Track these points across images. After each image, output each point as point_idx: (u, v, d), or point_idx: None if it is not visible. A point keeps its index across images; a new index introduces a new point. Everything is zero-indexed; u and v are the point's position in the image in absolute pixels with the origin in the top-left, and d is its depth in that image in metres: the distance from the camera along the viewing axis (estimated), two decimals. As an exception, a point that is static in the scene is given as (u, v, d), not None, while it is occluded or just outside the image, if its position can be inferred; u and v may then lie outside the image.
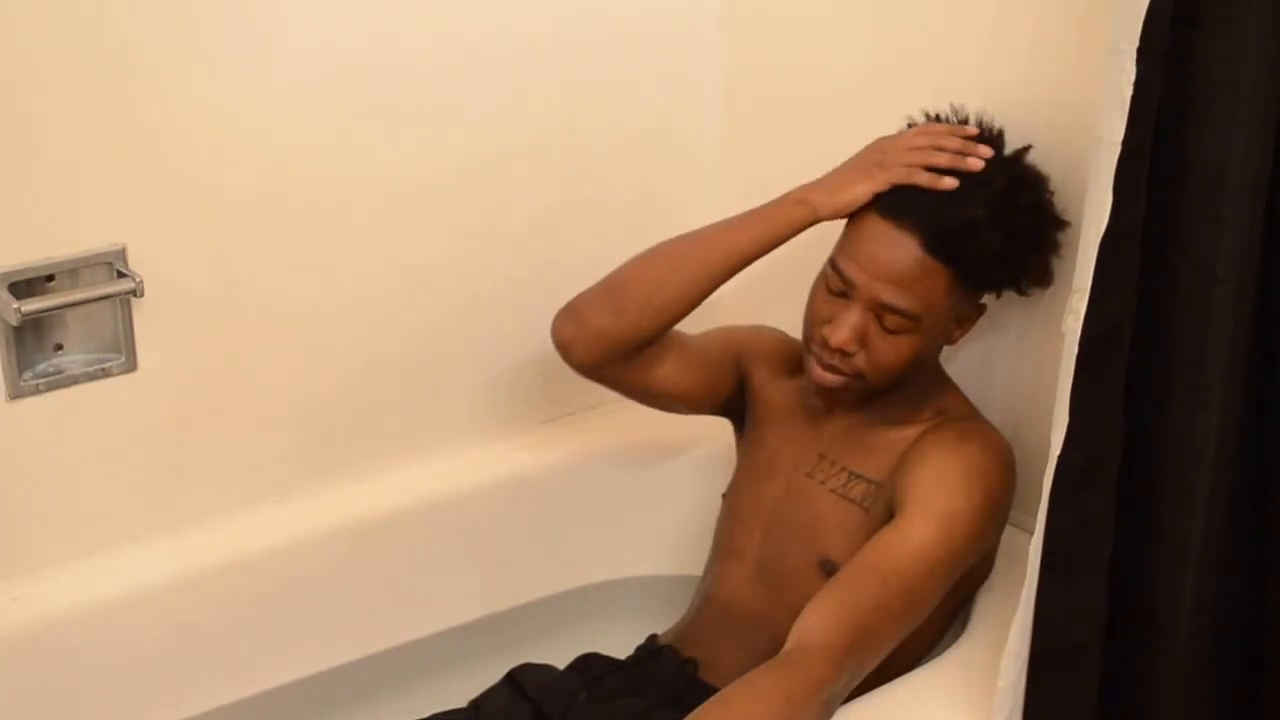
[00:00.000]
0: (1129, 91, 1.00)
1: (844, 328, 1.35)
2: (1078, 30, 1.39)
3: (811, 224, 1.40)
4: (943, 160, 1.33)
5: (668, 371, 1.51)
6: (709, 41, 1.78)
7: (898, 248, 1.33)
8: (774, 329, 1.64)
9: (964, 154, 1.34)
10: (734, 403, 1.59)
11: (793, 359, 1.57)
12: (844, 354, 1.36)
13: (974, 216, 1.31)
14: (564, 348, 1.47)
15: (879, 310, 1.35)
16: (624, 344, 1.45)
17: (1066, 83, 1.41)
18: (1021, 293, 1.40)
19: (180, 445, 1.57)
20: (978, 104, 1.41)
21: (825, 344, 1.37)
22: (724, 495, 1.60)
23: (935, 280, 1.33)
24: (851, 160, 1.40)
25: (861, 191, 1.36)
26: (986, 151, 1.34)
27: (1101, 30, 1.05)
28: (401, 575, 1.72)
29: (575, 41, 1.68)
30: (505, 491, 1.78)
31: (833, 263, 1.38)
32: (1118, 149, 1.02)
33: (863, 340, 1.36)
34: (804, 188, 1.40)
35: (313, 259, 1.59)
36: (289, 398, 1.64)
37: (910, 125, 1.41)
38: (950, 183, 1.32)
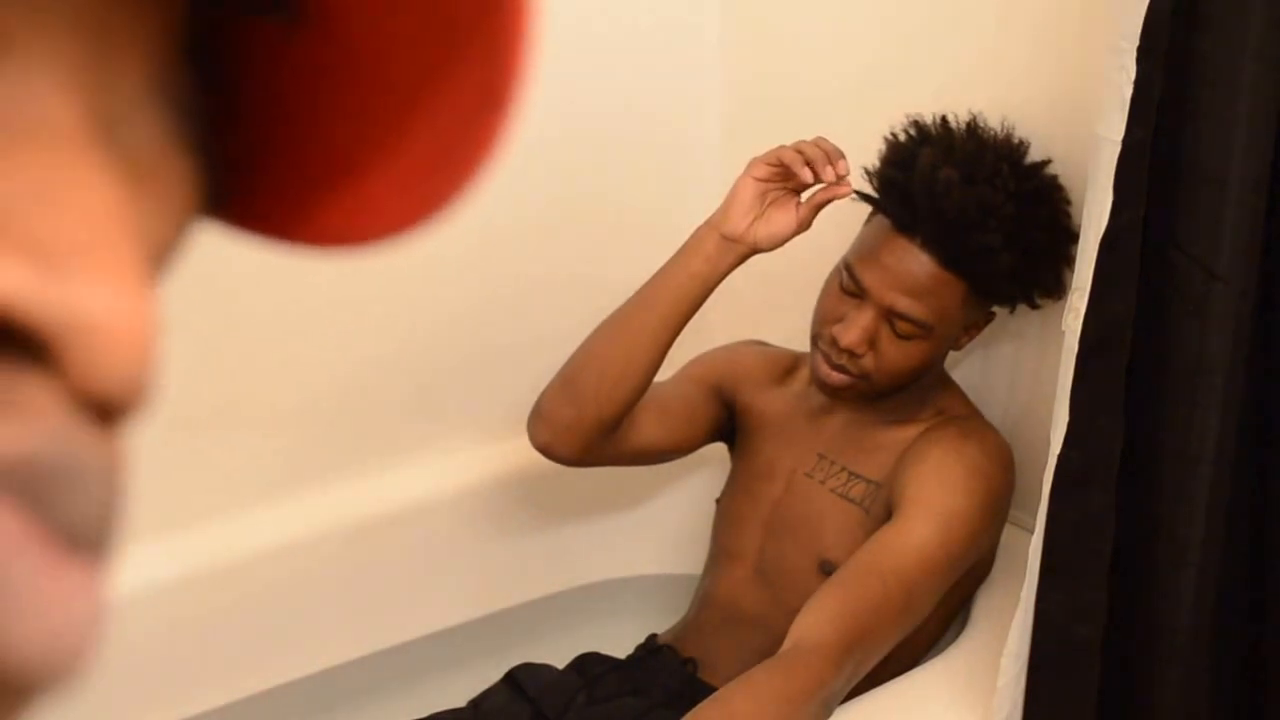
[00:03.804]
0: (1129, 90, 1.00)
1: (855, 329, 1.35)
2: (1077, 29, 1.39)
3: (723, 240, 1.34)
4: (795, 161, 1.30)
5: (650, 432, 1.49)
6: (710, 47, 1.78)
7: (912, 261, 1.32)
8: (748, 343, 1.63)
9: (828, 162, 1.30)
10: (725, 430, 1.58)
11: (776, 368, 1.57)
12: (852, 355, 1.36)
13: (990, 241, 1.30)
14: (544, 451, 1.45)
15: (891, 316, 1.34)
16: (596, 429, 1.42)
17: (1066, 82, 1.40)
18: (1033, 305, 1.40)
19: (180, 445, 1.57)
20: (978, 105, 1.40)
21: (834, 343, 1.37)
22: (717, 500, 1.60)
23: (950, 292, 1.33)
24: None
25: (742, 185, 1.34)
26: (843, 169, 1.30)
27: (1101, 29, 1.05)
28: (401, 574, 1.73)
29: (575, 46, 1.68)
30: (505, 490, 1.78)
31: (847, 265, 1.37)
32: (1117, 147, 1.02)
33: (872, 342, 1.36)
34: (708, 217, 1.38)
35: (311, 259, 1.59)
36: (289, 398, 1.64)
37: (916, 124, 1.41)
38: (808, 175, 1.30)
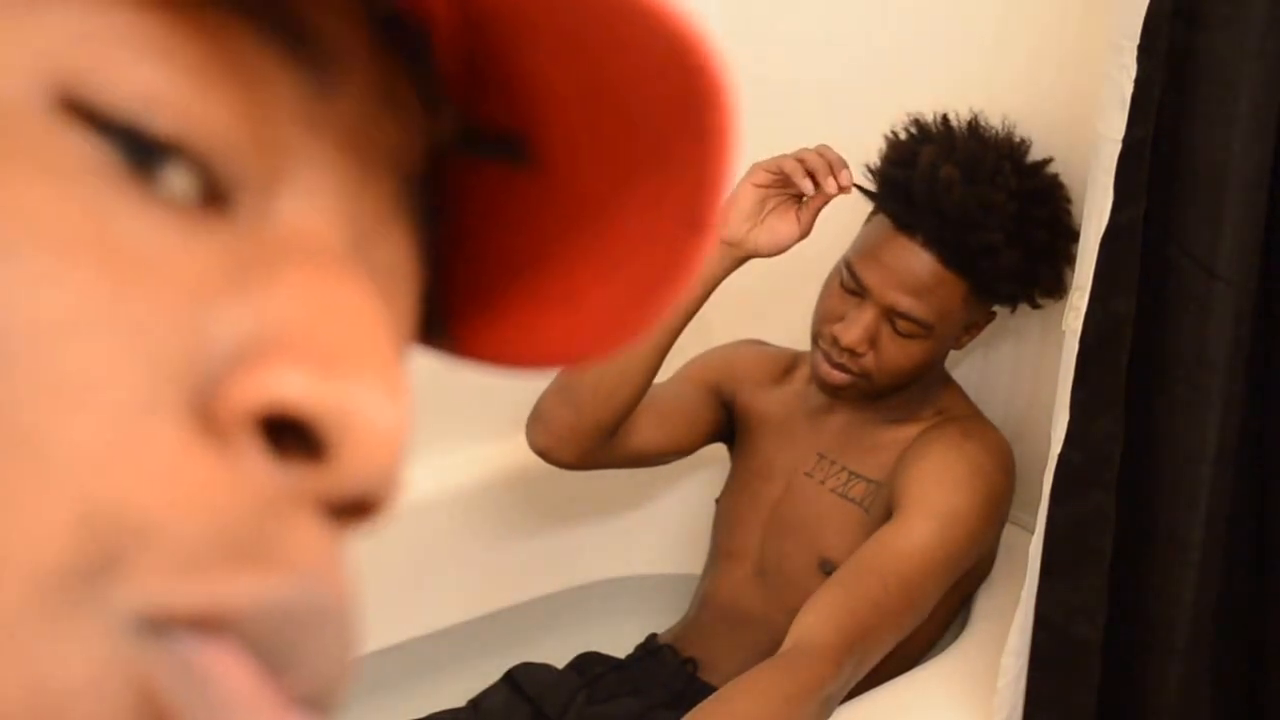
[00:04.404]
0: (1130, 88, 1.00)
1: (856, 327, 1.35)
2: (1078, 27, 1.39)
3: (723, 246, 1.33)
4: (797, 171, 1.30)
5: (649, 435, 1.48)
6: (710, 33, 1.78)
7: (913, 260, 1.32)
8: (746, 343, 1.63)
9: (830, 172, 1.30)
10: (725, 430, 1.58)
11: (775, 367, 1.57)
12: (853, 353, 1.36)
13: (992, 241, 1.30)
14: (543, 455, 1.45)
15: (892, 315, 1.34)
16: (594, 433, 1.42)
17: (1067, 80, 1.40)
18: (1034, 305, 1.40)
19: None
20: (979, 103, 1.40)
21: (835, 342, 1.36)
22: (717, 500, 1.60)
23: (950, 291, 1.33)
24: None
25: (741, 191, 1.33)
26: (845, 179, 1.30)
27: (1102, 27, 1.05)
28: (400, 573, 1.72)
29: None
30: (505, 489, 1.78)
31: (848, 264, 1.37)
32: (1118, 146, 1.01)
33: (873, 341, 1.35)
34: None
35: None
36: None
37: (917, 122, 1.40)
38: (808, 185, 1.30)
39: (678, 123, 0.28)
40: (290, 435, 0.24)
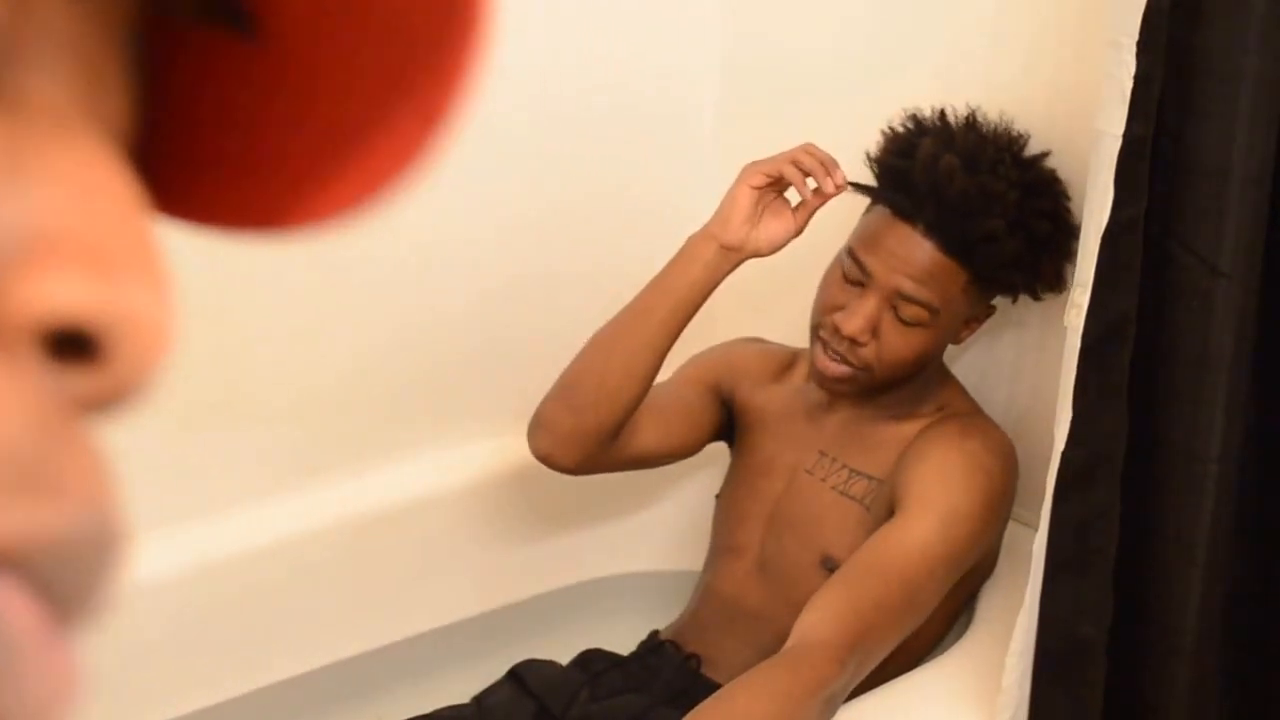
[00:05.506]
0: (1129, 85, 0.99)
1: (858, 316, 1.34)
2: (1078, 23, 1.38)
3: (722, 250, 1.34)
4: (797, 178, 1.31)
5: (650, 437, 1.47)
6: (709, 28, 1.77)
7: (915, 247, 1.31)
8: (746, 341, 1.62)
9: (826, 173, 1.30)
10: (725, 428, 1.57)
11: (774, 364, 1.56)
12: (854, 344, 1.35)
13: (993, 228, 1.30)
14: (545, 460, 1.44)
15: (896, 301, 1.33)
16: (596, 437, 1.41)
17: (1064, 77, 1.40)
18: (1036, 297, 1.39)
19: (179, 442, 1.56)
20: (978, 96, 1.40)
21: (836, 332, 1.36)
22: (717, 496, 1.59)
23: (952, 280, 1.33)
24: None
25: (740, 194, 1.33)
26: (840, 179, 1.30)
27: (1099, 24, 1.04)
28: (403, 570, 1.72)
29: (573, 26, 1.67)
30: (508, 486, 1.77)
31: (850, 252, 1.36)
32: (1118, 142, 1.01)
33: (875, 331, 1.35)
34: (704, 226, 1.37)
35: (312, 253, 1.58)
36: (288, 393, 1.63)
37: (915, 117, 1.40)
38: (809, 190, 1.30)
39: (430, 32, 0.28)
40: (64, 339, 0.23)
